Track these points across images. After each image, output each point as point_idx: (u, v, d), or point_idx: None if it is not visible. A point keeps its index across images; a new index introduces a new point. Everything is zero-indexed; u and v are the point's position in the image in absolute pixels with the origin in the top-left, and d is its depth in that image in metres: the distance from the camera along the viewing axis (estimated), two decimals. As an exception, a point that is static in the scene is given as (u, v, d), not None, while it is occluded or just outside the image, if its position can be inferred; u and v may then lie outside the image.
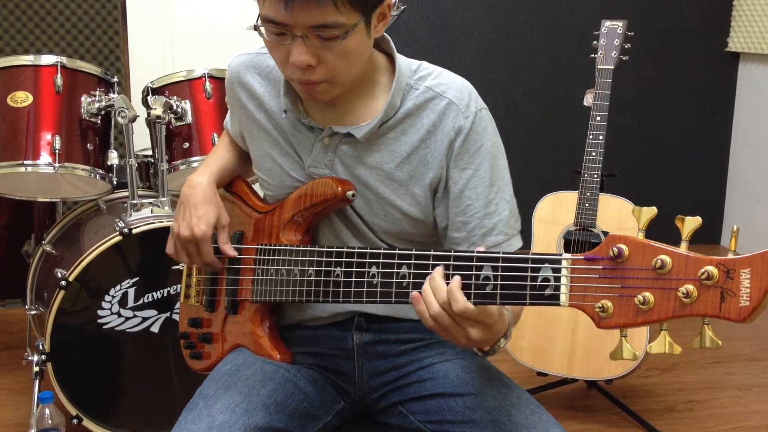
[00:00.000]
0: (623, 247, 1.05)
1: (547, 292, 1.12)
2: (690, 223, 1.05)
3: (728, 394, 2.80)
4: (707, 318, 1.02)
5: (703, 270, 1.00)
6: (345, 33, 1.25)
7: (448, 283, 1.18)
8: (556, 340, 2.46)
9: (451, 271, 1.20)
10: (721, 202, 4.32)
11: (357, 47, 1.29)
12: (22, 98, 2.32)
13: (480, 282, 1.17)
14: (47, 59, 2.36)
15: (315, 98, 1.36)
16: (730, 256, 1.00)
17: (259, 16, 1.29)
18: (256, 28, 1.30)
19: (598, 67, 2.47)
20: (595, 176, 2.41)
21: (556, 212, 2.50)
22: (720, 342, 1.03)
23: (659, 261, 1.03)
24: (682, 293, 1.01)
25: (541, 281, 1.13)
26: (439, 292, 1.18)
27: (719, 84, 4.19)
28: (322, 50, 1.27)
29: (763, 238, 3.94)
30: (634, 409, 2.56)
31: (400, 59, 1.42)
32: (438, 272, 1.20)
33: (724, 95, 4.20)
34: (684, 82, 4.15)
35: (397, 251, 1.27)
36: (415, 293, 1.21)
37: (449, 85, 1.40)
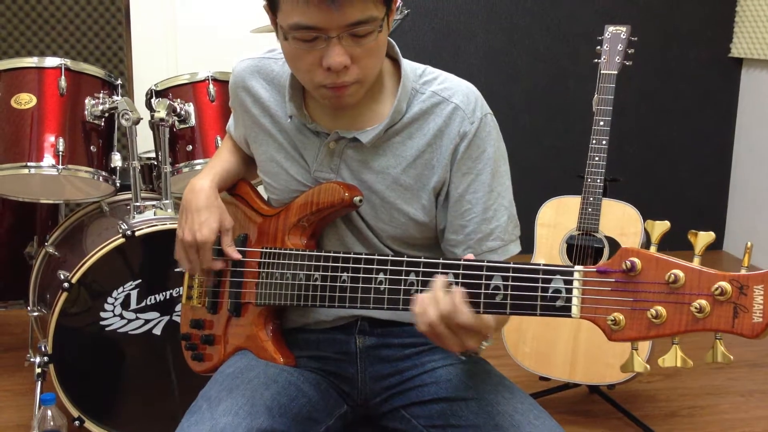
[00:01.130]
0: (636, 260, 1.06)
1: (559, 303, 1.13)
2: (703, 239, 1.05)
3: (730, 400, 2.79)
4: (719, 333, 1.02)
5: (716, 285, 1.00)
6: (380, 27, 1.26)
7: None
8: (558, 344, 2.46)
9: (460, 280, 1.19)
10: (723, 207, 4.32)
11: (384, 42, 1.32)
12: (25, 100, 2.32)
13: (490, 291, 1.17)
14: (51, 61, 2.37)
15: (342, 102, 1.35)
16: (743, 272, 1.00)
17: (281, 27, 1.28)
18: (285, 37, 1.29)
19: (602, 72, 2.47)
20: (598, 181, 2.41)
21: (558, 217, 2.50)
22: (732, 357, 1.03)
23: (672, 275, 1.03)
24: (695, 308, 1.01)
25: (552, 292, 1.13)
26: (440, 302, 1.17)
27: (722, 89, 4.19)
28: (355, 49, 1.27)
29: (765, 244, 3.94)
30: (636, 415, 2.56)
31: (406, 64, 1.42)
32: (440, 283, 1.19)
33: (727, 101, 4.21)
34: (687, 87, 4.15)
35: (405, 258, 1.27)
36: (419, 295, 1.21)
37: (455, 90, 1.40)
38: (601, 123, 2.43)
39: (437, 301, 1.18)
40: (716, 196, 4.30)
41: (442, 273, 1.21)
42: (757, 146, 4.08)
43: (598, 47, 2.49)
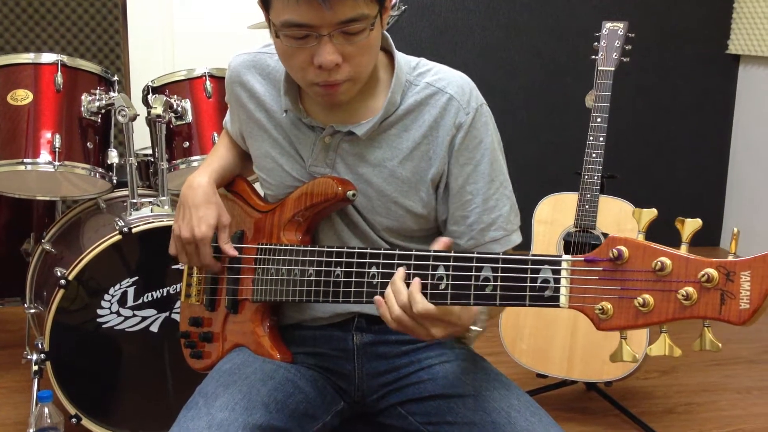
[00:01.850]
0: (623, 248, 1.05)
1: (547, 293, 1.13)
2: (690, 225, 1.05)
3: (727, 396, 2.80)
4: (707, 320, 1.02)
5: (703, 272, 1.00)
6: (371, 25, 1.26)
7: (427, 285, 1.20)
8: (555, 341, 2.46)
9: (451, 273, 1.20)
10: (720, 204, 4.32)
11: (377, 39, 1.31)
12: (22, 96, 2.31)
13: (480, 283, 1.18)
14: (48, 57, 2.36)
15: (335, 100, 1.35)
16: (731, 258, 1.00)
17: (273, 23, 1.28)
18: (277, 35, 1.29)
19: (599, 68, 2.47)
20: (595, 178, 2.41)
21: (555, 214, 2.50)
22: (720, 345, 1.02)
23: (659, 263, 1.03)
24: (682, 295, 1.01)
25: (540, 282, 1.13)
26: (399, 294, 1.21)
27: (719, 86, 4.19)
28: (347, 47, 1.27)
29: (762, 240, 3.94)
30: (633, 411, 2.56)
31: (399, 56, 1.42)
32: (399, 275, 1.22)
33: (724, 97, 4.20)
34: (684, 84, 4.15)
35: (396, 252, 1.27)
36: (377, 297, 1.24)
37: (449, 81, 1.40)
38: (599, 120, 2.43)
39: (397, 292, 1.21)
40: (713, 192, 4.31)
41: (433, 266, 1.22)
42: (754, 143, 4.08)
43: (596, 44, 2.49)
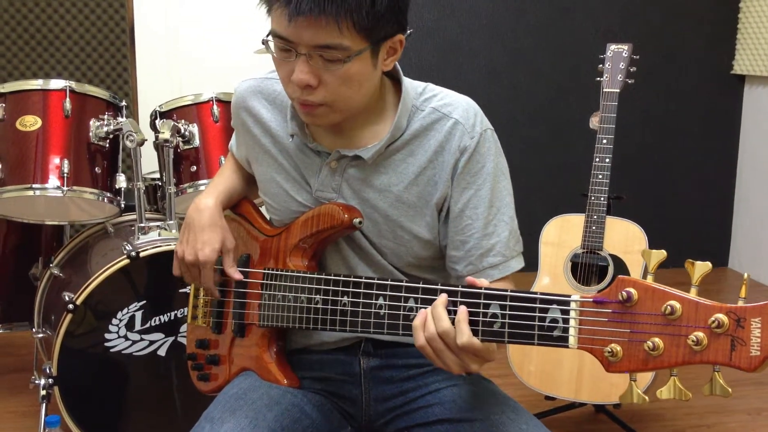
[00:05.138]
0: (632, 291, 1.05)
1: (556, 333, 1.12)
2: (700, 268, 1.04)
3: (737, 418, 2.77)
4: (717, 365, 1.01)
5: (713, 318, 0.99)
6: (348, 57, 1.25)
7: (450, 312, 1.19)
8: (563, 363, 2.44)
9: (459, 298, 1.20)
10: (728, 224, 4.31)
11: (360, 75, 1.29)
12: (30, 122, 2.33)
13: (488, 319, 1.17)
14: (56, 83, 2.38)
15: (314, 121, 1.36)
16: (741, 303, 0.99)
17: (270, 30, 1.30)
18: (264, 42, 1.31)
19: (604, 90, 2.47)
20: (602, 199, 2.40)
21: (562, 235, 2.49)
22: (730, 390, 1.01)
23: (669, 307, 1.02)
24: (692, 340, 1.00)
25: (549, 322, 1.13)
26: (438, 321, 1.19)
27: (725, 107, 4.19)
28: (324, 72, 1.27)
29: (770, 261, 3.93)
30: (642, 434, 2.55)
31: (407, 82, 1.42)
32: (441, 301, 1.20)
33: (730, 118, 4.21)
34: (690, 104, 4.16)
35: (404, 284, 1.26)
36: (422, 311, 1.22)
37: (455, 105, 1.41)
38: (604, 141, 2.43)
39: (438, 318, 1.19)
40: (721, 212, 4.29)
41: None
42: (760, 162, 4.08)
43: (600, 65, 2.50)
